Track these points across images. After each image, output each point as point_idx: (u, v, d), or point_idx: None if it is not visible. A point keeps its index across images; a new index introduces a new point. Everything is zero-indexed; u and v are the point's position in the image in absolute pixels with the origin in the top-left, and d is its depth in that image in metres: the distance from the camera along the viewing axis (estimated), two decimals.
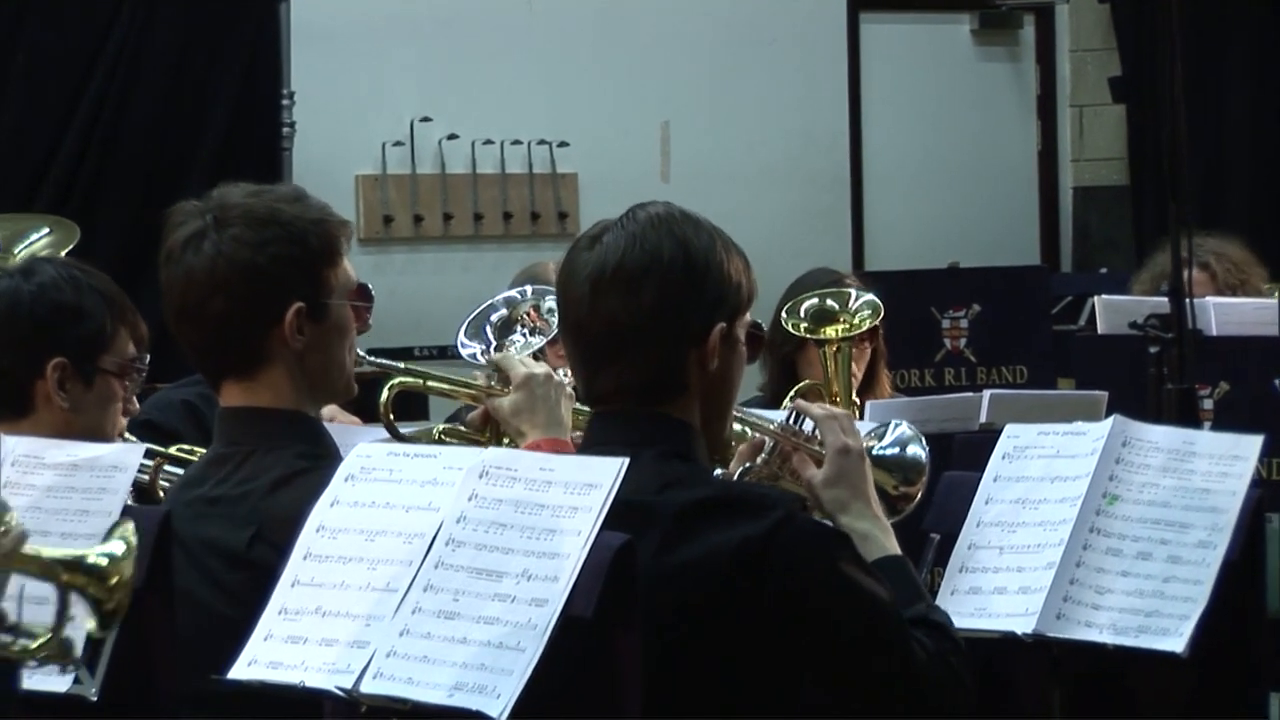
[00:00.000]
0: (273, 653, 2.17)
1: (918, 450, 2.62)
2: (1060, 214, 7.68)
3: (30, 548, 1.98)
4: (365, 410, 3.19)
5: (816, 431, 2.46)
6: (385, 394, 2.71)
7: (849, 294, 3.92)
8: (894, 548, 2.39)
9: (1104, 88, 7.51)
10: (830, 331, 3.86)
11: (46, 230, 3.66)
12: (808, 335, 3.87)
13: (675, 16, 7.03)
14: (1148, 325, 3.52)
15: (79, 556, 2.00)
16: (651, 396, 2.31)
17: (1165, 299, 3.41)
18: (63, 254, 3.47)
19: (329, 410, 3.02)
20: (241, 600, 2.35)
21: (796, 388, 3.80)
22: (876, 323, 3.91)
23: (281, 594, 2.20)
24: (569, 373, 2.86)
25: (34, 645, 1.98)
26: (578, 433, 2.70)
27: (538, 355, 2.89)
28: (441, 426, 2.79)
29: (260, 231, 2.49)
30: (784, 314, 3.90)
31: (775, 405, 3.75)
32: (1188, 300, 3.34)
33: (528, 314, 2.95)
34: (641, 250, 2.29)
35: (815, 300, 3.89)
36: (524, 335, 2.92)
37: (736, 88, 7.13)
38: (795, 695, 2.24)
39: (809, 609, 2.22)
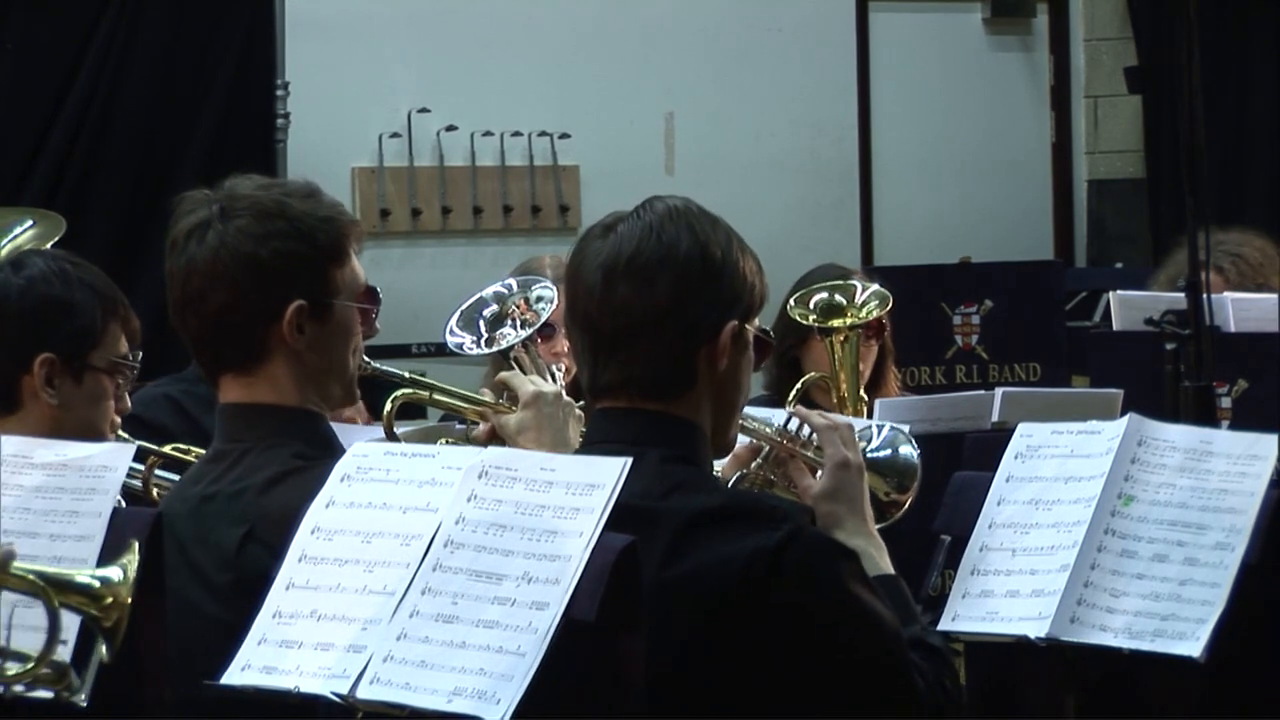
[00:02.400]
0: (267, 657, 2.14)
1: (909, 451, 2.60)
2: (1074, 208, 7.64)
3: (19, 565, 1.94)
4: (368, 411, 3.16)
5: (815, 439, 2.42)
6: (389, 406, 2.67)
7: (855, 287, 3.91)
8: (887, 566, 2.38)
9: (1119, 78, 7.47)
10: (837, 323, 3.84)
11: (30, 223, 3.62)
12: (816, 325, 3.85)
13: (679, 4, 6.99)
14: (1164, 321, 3.48)
15: (68, 576, 1.96)
16: (658, 392, 2.28)
17: (1182, 295, 3.37)
18: (48, 246, 3.43)
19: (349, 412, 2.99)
20: (232, 602, 2.33)
21: (804, 379, 3.78)
22: (884, 313, 3.89)
23: (276, 597, 2.18)
24: (565, 369, 2.82)
25: (22, 670, 1.94)
26: None
27: (527, 344, 2.85)
28: (443, 441, 2.75)
29: (265, 225, 2.45)
30: (792, 303, 3.88)
31: (780, 404, 3.72)
32: (1205, 296, 3.30)
33: (517, 305, 2.92)
34: (658, 241, 2.27)
35: (824, 294, 3.88)
36: (514, 328, 2.89)
37: (742, 78, 7.09)
38: (795, 708, 2.21)
39: (814, 624, 2.20)
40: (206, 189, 2.51)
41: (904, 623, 2.30)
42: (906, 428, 2.76)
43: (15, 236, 3.55)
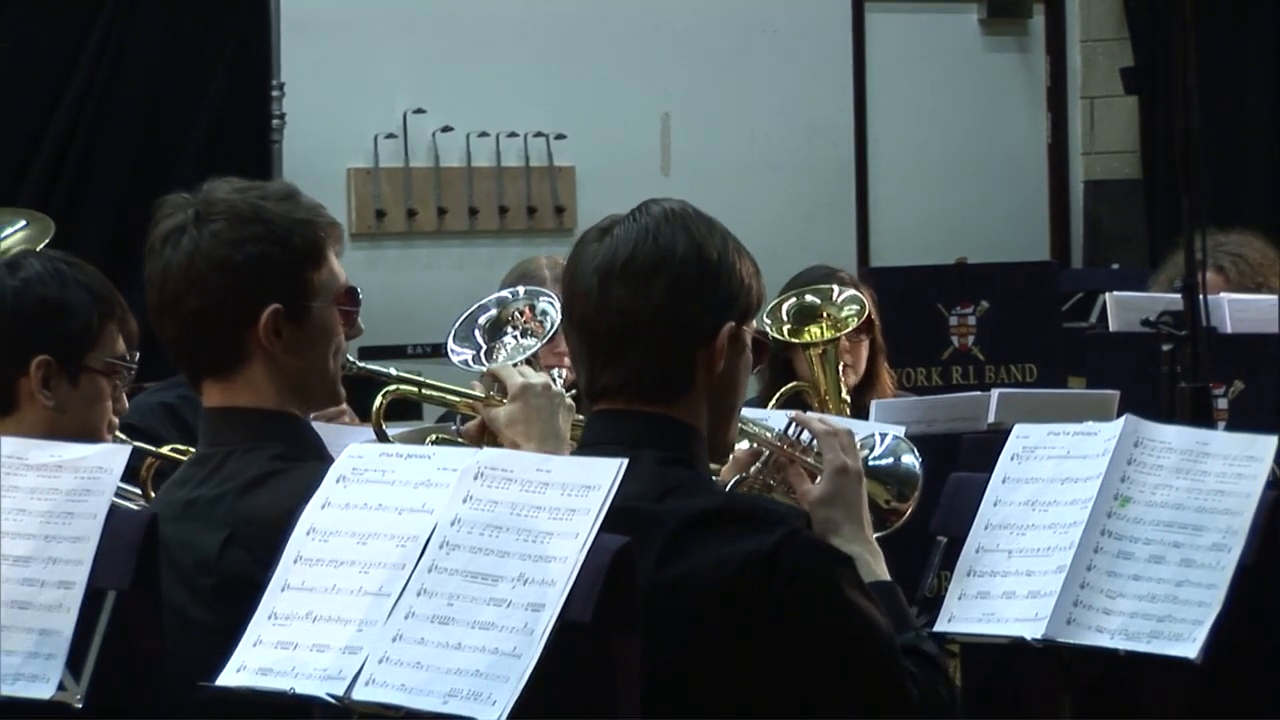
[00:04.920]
0: (262, 658, 2.14)
1: (911, 461, 2.59)
2: (1071, 208, 7.64)
3: None
4: (361, 414, 3.14)
5: (814, 444, 2.41)
6: (379, 401, 2.65)
7: (832, 289, 3.87)
8: (884, 573, 2.37)
9: (1116, 79, 7.47)
10: (814, 331, 3.81)
11: (22, 224, 3.63)
12: (791, 339, 3.81)
13: (676, 4, 6.99)
14: (1160, 322, 3.49)
15: None
16: (655, 395, 2.28)
17: (1178, 296, 3.37)
18: (39, 248, 3.42)
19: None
20: (215, 606, 2.33)
21: (782, 390, 3.76)
22: (861, 322, 3.85)
23: (271, 598, 2.17)
24: (564, 373, 2.80)
25: None
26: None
27: (532, 360, 2.84)
28: (434, 436, 2.74)
29: (240, 229, 2.44)
30: (764, 318, 3.84)
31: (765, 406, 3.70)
32: (1201, 297, 3.30)
33: (519, 314, 2.90)
34: (654, 244, 2.26)
35: (794, 299, 3.84)
36: (515, 337, 2.87)
37: (738, 78, 7.09)
38: (788, 713, 2.21)
39: (808, 628, 2.20)
40: (187, 193, 2.51)
41: (899, 629, 2.29)
42: (902, 429, 2.76)
43: (6, 237, 3.54)
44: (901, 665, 2.24)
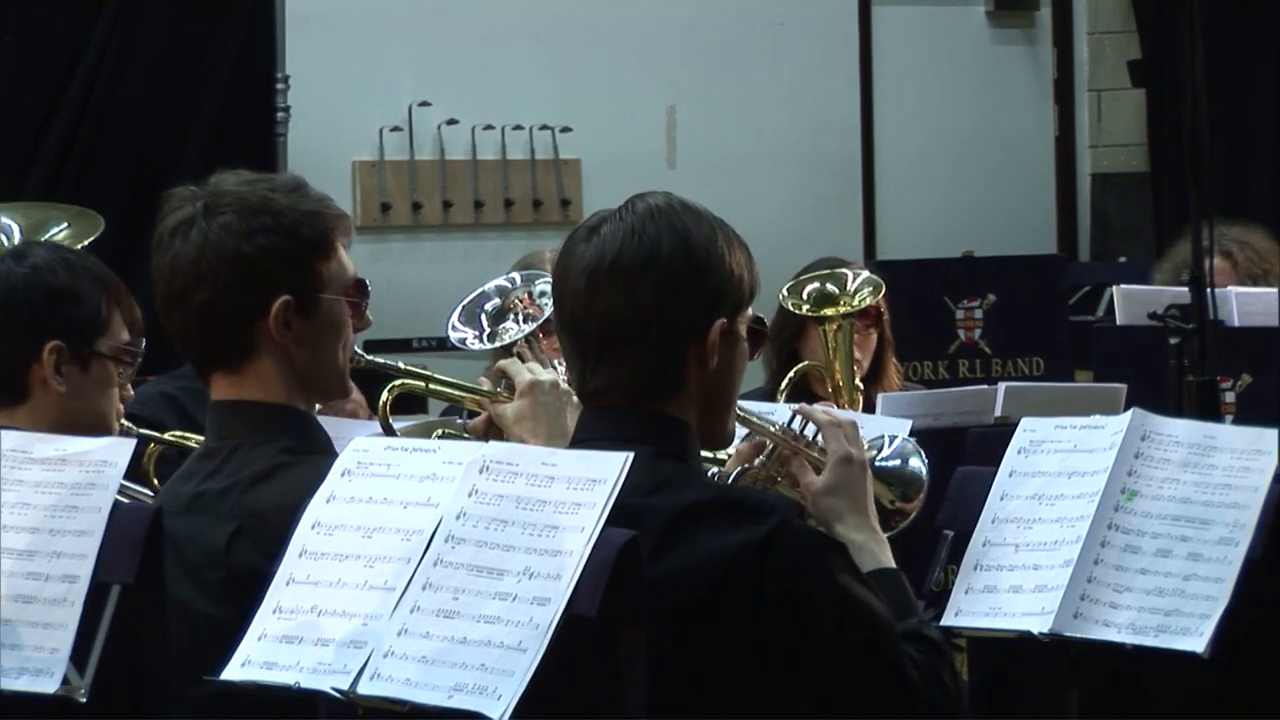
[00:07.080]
0: (267, 652, 2.13)
1: (918, 464, 2.59)
2: (1078, 201, 7.63)
3: None
4: (368, 404, 3.15)
5: (818, 437, 2.41)
6: (386, 396, 2.65)
7: (847, 275, 3.90)
8: (888, 561, 2.36)
9: (1123, 71, 7.47)
10: (831, 313, 3.84)
11: (66, 224, 3.59)
12: (809, 315, 3.84)
13: None
14: (1168, 316, 3.48)
15: None
16: (648, 394, 2.27)
17: (1186, 289, 3.37)
18: (80, 245, 3.39)
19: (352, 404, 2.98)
20: (221, 599, 2.33)
21: (796, 369, 3.77)
22: (877, 300, 3.89)
23: (276, 592, 2.17)
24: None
25: None
26: None
27: (530, 339, 2.84)
28: (440, 431, 2.73)
29: (250, 221, 2.44)
30: (784, 293, 3.88)
31: (775, 396, 3.71)
32: (1209, 290, 3.30)
33: (520, 300, 2.90)
34: (640, 243, 2.25)
35: (816, 284, 3.87)
36: (517, 322, 2.87)
37: (745, 72, 7.09)
38: (789, 703, 2.20)
39: (804, 617, 2.19)
40: (194, 185, 2.50)
41: (902, 615, 2.28)
42: (908, 426, 2.75)
43: (52, 236, 3.51)
44: (900, 650, 2.23)
